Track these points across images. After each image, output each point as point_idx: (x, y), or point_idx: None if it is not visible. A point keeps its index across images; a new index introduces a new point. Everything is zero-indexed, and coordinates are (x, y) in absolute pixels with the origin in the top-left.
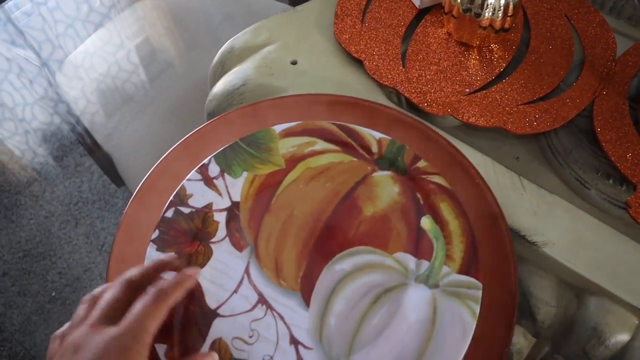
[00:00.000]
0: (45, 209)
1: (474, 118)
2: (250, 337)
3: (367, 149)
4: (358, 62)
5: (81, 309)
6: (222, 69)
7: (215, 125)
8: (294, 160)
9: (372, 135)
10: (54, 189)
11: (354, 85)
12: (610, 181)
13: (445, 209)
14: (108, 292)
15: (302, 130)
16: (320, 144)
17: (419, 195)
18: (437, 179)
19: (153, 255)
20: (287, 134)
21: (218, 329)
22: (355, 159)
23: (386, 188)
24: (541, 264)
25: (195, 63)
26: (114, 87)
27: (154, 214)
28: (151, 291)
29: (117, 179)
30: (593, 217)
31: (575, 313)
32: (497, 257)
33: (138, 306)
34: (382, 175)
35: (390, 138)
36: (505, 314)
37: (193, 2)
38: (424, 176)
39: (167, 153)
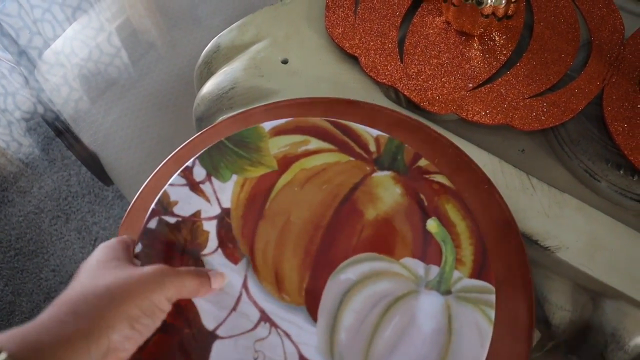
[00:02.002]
0: (33, 204)
1: (479, 116)
2: (255, 359)
3: (365, 147)
4: (353, 58)
5: None
6: (208, 70)
7: (206, 136)
8: (286, 161)
9: (369, 133)
10: (42, 184)
11: (349, 83)
12: (621, 172)
13: (451, 210)
14: None
15: (294, 128)
16: (314, 143)
17: (422, 196)
18: (439, 178)
19: None
20: (278, 132)
21: (219, 353)
22: (352, 159)
23: (387, 189)
24: (555, 269)
25: (177, 43)
26: (97, 72)
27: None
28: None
29: (105, 178)
30: (606, 214)
31: (591, 317)
32: (511, 265)
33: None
34: (383, 176)
35: (388, 136)
36: (523, 326)
37: None
38: (427, 176)
39: (156, 169)
